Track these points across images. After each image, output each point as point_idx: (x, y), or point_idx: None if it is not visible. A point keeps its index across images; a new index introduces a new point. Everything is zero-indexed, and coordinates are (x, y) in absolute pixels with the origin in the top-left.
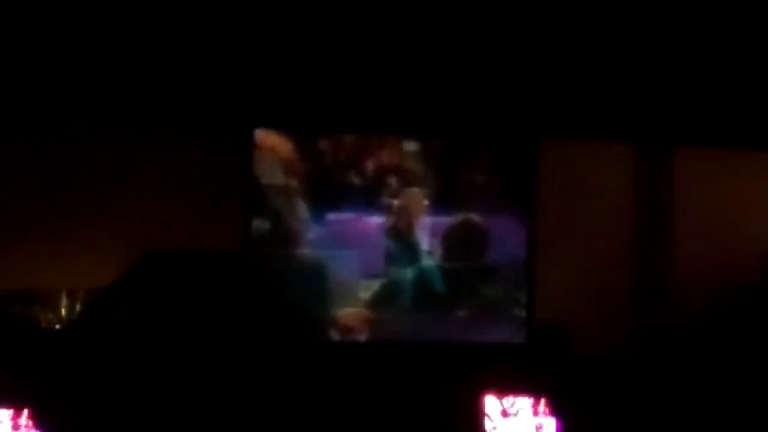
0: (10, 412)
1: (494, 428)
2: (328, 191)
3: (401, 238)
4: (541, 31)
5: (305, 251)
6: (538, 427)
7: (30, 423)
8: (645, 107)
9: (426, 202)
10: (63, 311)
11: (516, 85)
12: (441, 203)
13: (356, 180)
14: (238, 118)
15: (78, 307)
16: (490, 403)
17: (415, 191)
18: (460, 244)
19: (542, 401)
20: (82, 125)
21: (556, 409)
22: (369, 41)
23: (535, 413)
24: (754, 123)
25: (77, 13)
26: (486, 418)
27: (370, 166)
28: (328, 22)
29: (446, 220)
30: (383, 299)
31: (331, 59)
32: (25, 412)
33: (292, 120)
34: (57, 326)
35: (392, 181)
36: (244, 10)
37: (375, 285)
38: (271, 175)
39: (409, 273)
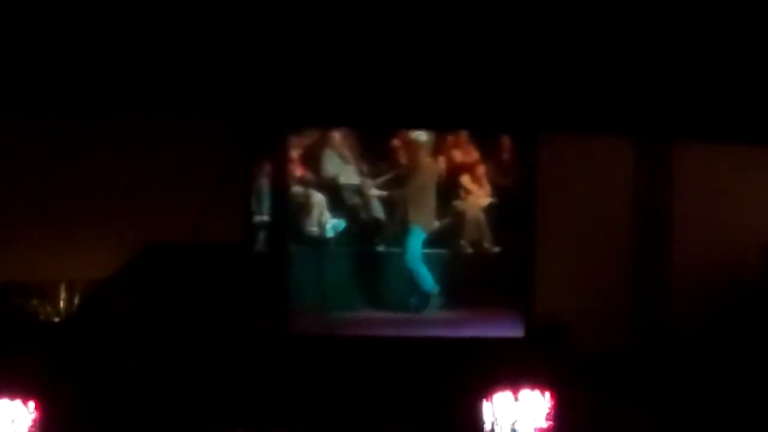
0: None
1: (493, 422)
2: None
3: None
4: (542, 25)
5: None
6: (536, 421)
7: (32, 414)
8: (645, 102)
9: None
10: (62, 304)
11: (516, 79)
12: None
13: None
14: (240, 112)
15: (77, 300)
16: (490, 396)
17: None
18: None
19: (540, 395)
20: (81, 119)
21: (554, 403)
22: (370, 41)
23: (534, 407)
24: (753, 118)
25: (78, 12)
26: (485, 413)
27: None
28: (333, 23)
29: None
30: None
31: (327, 58)
32: (27, 404)
33: (287, 117)
34: (56, 319)
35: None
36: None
37: None
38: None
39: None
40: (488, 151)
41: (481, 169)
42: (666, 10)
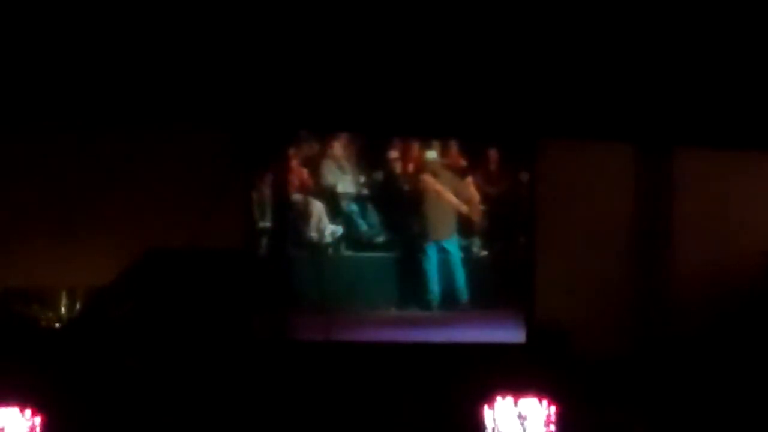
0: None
1: (494, 428)
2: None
3: None
4: (542, 33)
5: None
6: (537, 427)
7: (32, 421)
8: (645, 108)
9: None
10: (63, 310)
11: (516, 86)
12: None
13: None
14: (239, 117)
15: (78, 306)
16: (493, 402)
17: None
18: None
19: (542, 401)
20: (82, 125)
21: (555, 408)
22: (370, 46)
23: (534, 413)
24: (753, 124)
25: (78, 16)
26: (486, 419)
27: None
28: (332, 35)
29: None
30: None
31: (327, 68)
32: (28, 411)
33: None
34: (57, 325)
35: None
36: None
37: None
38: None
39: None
40: (489, 158)
41: (482, 177)
42: (665, 17)
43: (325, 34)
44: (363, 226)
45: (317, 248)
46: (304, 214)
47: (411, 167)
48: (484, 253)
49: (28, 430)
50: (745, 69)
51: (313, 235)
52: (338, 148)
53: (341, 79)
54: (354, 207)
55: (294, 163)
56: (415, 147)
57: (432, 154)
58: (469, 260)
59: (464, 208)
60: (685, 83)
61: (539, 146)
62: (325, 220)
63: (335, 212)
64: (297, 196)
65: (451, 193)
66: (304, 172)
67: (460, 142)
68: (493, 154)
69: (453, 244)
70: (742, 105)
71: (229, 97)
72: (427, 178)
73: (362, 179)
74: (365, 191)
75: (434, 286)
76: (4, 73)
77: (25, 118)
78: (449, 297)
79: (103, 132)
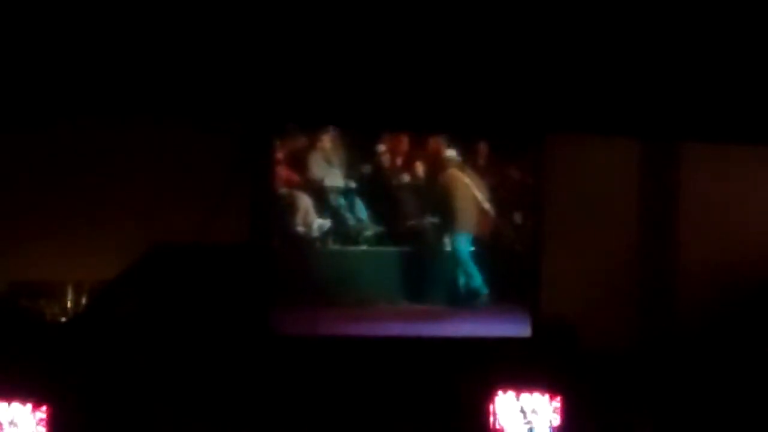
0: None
1: (501, 422)
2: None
3: None
4: (549, 27)
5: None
6: (544, 422)
7: (35, 416)
8: (651, 103)
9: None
10: (69, 304)
11: (523, 81)
12: None
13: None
14: (244, 113)
15: (84, 300)
16: (498, 397)
17: None
18: None
19: (549, 396)
20: (87, 121)
21: (561, 402)
22: (376, 40)
23: (541, 408)
24: (759, 118)
25: (79, 13)
26: (493, 412)
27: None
28: (331, 23)
29: None
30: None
31: (310, 52)
32: (36, 406)
33: (295, 116)
34: (63, 319)
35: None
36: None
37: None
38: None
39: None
40: (496, 153)
41: (489, 171)
42: (674, 11)
43: (312, 25)
44: (352, 220)
45: (305, 242)
46: (291, 208)
47: (433, 161)
48: (490, 246)
49: (34, 424)
50: (753, 64)
51: (301, 229)
52: (326, 141)
53: (330, 70)
54: (342, 201)
55: (281, 156)
56: (432, 141)
57: (452, 153)
58: (475, 254)
59: (486, 205)
60: (692, 78)
61: (546, 142)
62: (313, 213)
63: (323, 206)
64: (284, 190)
65: (475, 188)
66: (291, 165)
67: (469, 137)
68: (498, 149)
69: (468, 238)
70: (750, 100)
71: (218, 91)
72: (455, 172)
73: (353, 173)
74: (354, 185)
75: (461, 277)
76: (8, 69)
77: (29, 114)
78: (458, 291)
79: (108, 126)
